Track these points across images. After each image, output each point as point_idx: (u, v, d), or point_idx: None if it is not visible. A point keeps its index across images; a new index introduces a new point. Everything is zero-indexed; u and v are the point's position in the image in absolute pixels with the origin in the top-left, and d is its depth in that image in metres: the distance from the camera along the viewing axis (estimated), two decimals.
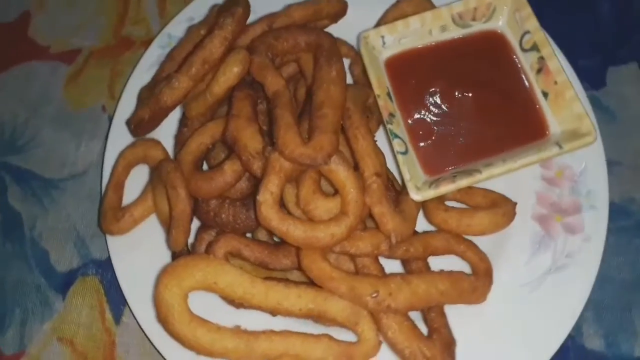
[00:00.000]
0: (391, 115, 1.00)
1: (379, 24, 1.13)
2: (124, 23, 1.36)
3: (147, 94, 1.08)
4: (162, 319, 0.86)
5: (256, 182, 0.91)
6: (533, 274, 1.00)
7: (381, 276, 0.89)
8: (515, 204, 1.00)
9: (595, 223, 1.02)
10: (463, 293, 0.92)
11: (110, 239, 1.05)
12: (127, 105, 1.14)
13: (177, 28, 1.20)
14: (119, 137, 1.11)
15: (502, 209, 0.97)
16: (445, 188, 0.94)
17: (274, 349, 0.85)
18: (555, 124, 1.02)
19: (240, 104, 0.93)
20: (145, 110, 1.02)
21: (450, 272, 0.94)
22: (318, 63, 0.95)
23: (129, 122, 1.09)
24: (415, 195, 0.94)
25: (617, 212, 1.09)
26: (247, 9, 1.02)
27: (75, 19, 1.36)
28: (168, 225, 0.97)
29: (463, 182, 0.95)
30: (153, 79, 1.14)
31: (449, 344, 0.91)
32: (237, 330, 0.86)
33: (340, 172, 0.86)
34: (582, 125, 0.98)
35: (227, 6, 1.04)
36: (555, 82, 1.02)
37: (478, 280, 0.94)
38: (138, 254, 1.03)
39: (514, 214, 0.98)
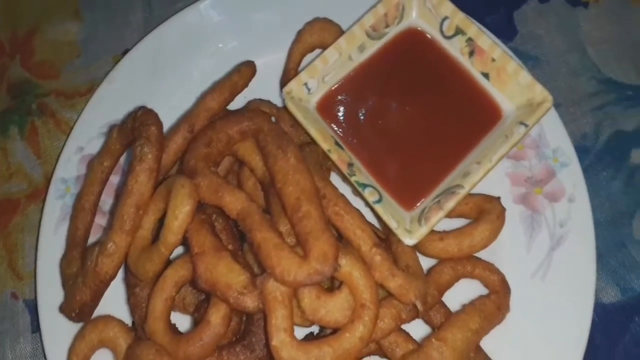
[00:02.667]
0: (350, 165, 0.90)
1: (287, 64, 1.01)
2: None
3: (72, 266, 0.91)
4: None
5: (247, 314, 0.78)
6: (538, 258, 0.98)
7: (417, 349, 0.82)
8: (499, 198, 0.95)
9: (572, 179, 1.01)
10: (491, 317, 0.88)
11: None
12: (46, 286, 0.96)
13: (69, 167, 1.03)
14: (55, 330, 0.94)
15: (493, 212, 0.93)
16: (436, 218, 0.88)
17: None
18: (505, 101, 0.97)
19: (198, 237, 0.79)
20: (83, 291, 0.86)
21: (472, 304, 0.89)
22: (268, 152, 0.82)
23: (65, 311, 0.91)
24: (410, 241, 0.88)
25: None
26: (159, 125, 0.86)
27: None
28: None
29: (450, 204, 0.89)
30: (69, 240, 0.95)
31: None
32: None
33: (343, 265, 0.76)
34: (535, 93, 0.94)
35: (130, 125, 0.86)
36: (493, 59, 0.97)
37: (498, 296, 0.91)
38: None
39: (504, 209, 0.94)
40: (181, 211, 0.77)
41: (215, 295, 0.78)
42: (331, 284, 0.86)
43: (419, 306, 0.79)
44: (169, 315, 0.85)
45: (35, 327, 1.02)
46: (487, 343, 0.89)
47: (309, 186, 0.78)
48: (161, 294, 0.83)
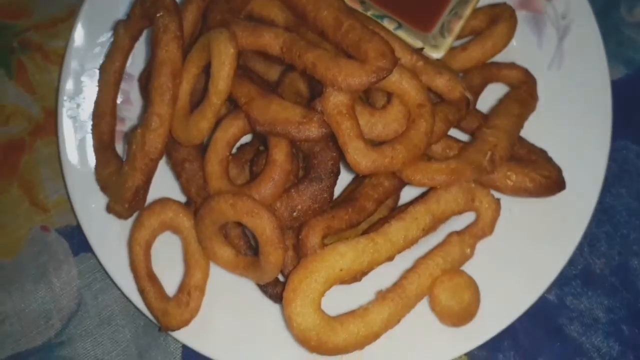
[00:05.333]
0: (362, 2, 0.92)
1: None
2: None
3: (109, 166, 0.90)
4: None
5: (305, 153, 0.81)
6: (550, 50, 1.03)
7: (471, 142, 0.87)
8: (505, 2, 1.00)
9: None
10: (527, 103, 0.94)
11: None
12: (82, 198, 0.95)
13: (74, 86, 1.01)
14: (106, 239, 0.93)
15: (505, 12, 0.97)
16: (457, 26, 0.92)
17: (423, 284, 0.82)
18: None
19: (242, 88, 0.79)
20: (134, 176, 0.84)
21: (507, 95, 0.95)
22: None
23: (116, 207, 0.89)
24: (438, 53, 0.91)
25: None
26: None
27: None
28: (245, 266, 0.85)
29: (467, 11, 0.93)
30: (97, 146, 0.95)
31: (545, 151, 0.94)
32: (381, 294, 0.81)
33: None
34: None
35: (139, 11, 0.87)
36: None
37: (528, 84, 0.96)
38: None
39: (513, 8, 0.98)
40: (227, 55, 0.77)
41: (276, 134, 0.79)
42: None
43: (469, 96, 0.83)
44: (228, 174, 0.85)
45: (77, 250, 1.03)
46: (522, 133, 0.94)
47: (343, 5, 0.79)
48: (216, 156, 0.83)
